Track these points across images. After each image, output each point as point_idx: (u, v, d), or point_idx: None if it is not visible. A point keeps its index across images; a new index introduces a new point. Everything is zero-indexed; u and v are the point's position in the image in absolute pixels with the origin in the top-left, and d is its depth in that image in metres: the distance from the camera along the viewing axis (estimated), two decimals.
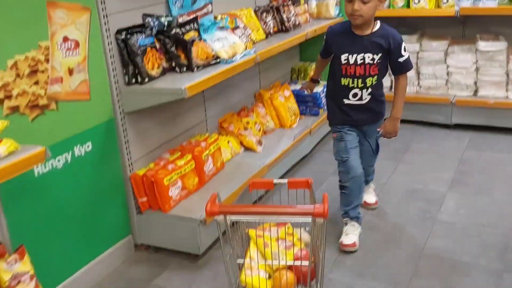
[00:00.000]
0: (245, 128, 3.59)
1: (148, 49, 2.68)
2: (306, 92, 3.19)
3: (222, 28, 3.13)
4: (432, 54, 4.32)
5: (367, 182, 3.10)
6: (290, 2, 3.94)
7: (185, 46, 2.78)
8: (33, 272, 2.12)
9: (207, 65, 2.85)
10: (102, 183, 2.66)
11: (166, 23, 2.81)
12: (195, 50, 2.79)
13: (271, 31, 3.70)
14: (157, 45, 2.77)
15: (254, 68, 3.93)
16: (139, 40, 2.63)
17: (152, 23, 2.76)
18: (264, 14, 3.69)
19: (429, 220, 3.00)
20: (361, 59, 2.58)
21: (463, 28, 4.57)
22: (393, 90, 2.75)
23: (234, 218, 1.71)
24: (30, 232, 2.27)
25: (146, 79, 2.64)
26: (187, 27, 2.86)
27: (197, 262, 2.78)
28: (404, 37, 4.41)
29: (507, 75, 4.12)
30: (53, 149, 2.22)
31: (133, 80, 2.65)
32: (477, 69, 4.22)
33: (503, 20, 4.28)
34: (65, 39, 2.33)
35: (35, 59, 2.19)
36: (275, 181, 2.14)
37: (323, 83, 3.59)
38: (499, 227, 2.89)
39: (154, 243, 2.89)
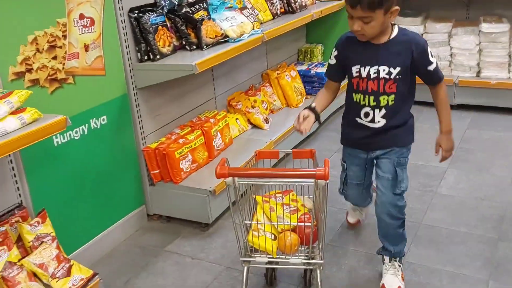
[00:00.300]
0: (253, 106, 3.71)
1: (160, 27, 2.80)
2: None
3: (230, 8, 3.24)
4: (436, 36, 4.40)
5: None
6: None
7: (195, 25, 2.89)
8: (55, 234, 2.27)
9: (216, 43, 2.96)
10: (117, 155, 2.80)
11: (176, 2, 2.93)
12: (204, 29, 2.91)
13: (278, 12, 3.80)
14: (168, 24, 2.89)
15: (261, 49, 4.05)
16: (151, 18, 2.75)
17: (163, 2, 2.88)
18: None
19: (429, 194, 3.12)
20: (374, 73, 2.11)
21: (467, 11, 4.64)
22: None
23: (241, 180, 1.84)
24: (50, 198, 2.41)
25: (158, 56, 2.76)
26: (197, 7, 2.97)
27: (207, 231, 2.93)
28: (408, 19, 4.53)
29: (510, 56, 4.20)
30: (71, 121, 2.35)
31: (145, 57, 2.77)
32: (480, 51, 4.30)
33: (506, 3, 4.35)
34: (81, 16, 2.45)
35: (53, 35, 2.32)
36: (281, 151, 2.26)
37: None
38: (496, 200, 3.00)
39: (166, 213, 3.04)
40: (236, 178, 1.81)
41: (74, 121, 2.47)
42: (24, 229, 2.19)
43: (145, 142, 2.94)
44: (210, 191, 2.83)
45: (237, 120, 3.58)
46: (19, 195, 2.28)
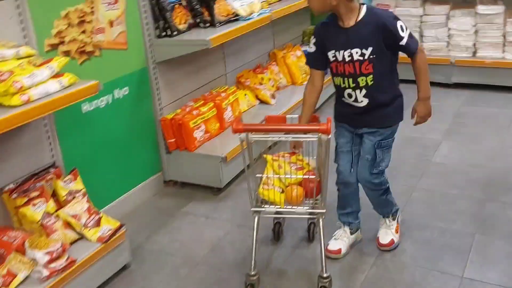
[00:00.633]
0: (260, 83, 3.95)
1: (176, 6, 3.05)
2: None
3: None
4: (435, 18, 4.62)
5: (381, 213, 2.58)
6: None
7: (208, 4, 3.14)
8: (85, 190, 2.54)
9: (227, 21, 3.22)
10: (137, 124, 3.06)
11: None
12: (217, 8, 3.16)
13: None
14: (184, 3, 3.13)
15: (268, 31, 4.28)
16: None
17: None
18: None
19: (424, 162, 3.38)
20: (348, 56, 2.19)
21: None
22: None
23: (254, 136, 2.09)
24: (79, 159, 2.67)
25: (175, 32, 3.01)
26: None
27: (219, 195, 3.19)
28: (408, 2, 4.73)
29: (504, 36, 4.42)
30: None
31: (163, 33, 3.02)
32: (476, 32, 4.52)
33: None
34: None
35: (83, 11, 2.57)
36: (288, 116, 2.51)
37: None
38: (485, 167, 3.25)
39: (181, 179, 3.30)
40: (249, 134, 2.05)
41: (100, 91, 2.69)
42: (59, 185, 2.46)
43: (162, 113, 3.20)
44: (222, 157, 3.09)
45: (246, 96, 3.83)
46: (53, 155, 2.54)
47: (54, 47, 2.46)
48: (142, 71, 3.02)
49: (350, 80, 2.24)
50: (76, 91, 2.15)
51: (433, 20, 4.63)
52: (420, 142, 3.64)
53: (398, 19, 2.19)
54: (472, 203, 2.88)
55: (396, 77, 2.33)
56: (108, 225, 2.46)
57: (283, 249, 2.63)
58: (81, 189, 2.53)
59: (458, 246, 2.53)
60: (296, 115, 2.54)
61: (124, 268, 2.53)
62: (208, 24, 3.17)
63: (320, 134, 2.03)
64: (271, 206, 2.32)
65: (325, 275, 2.25)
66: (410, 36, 2.19)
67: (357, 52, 2.18)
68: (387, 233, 2.56)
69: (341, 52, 2.21)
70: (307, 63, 2.42)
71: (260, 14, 3.37)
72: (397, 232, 2.58)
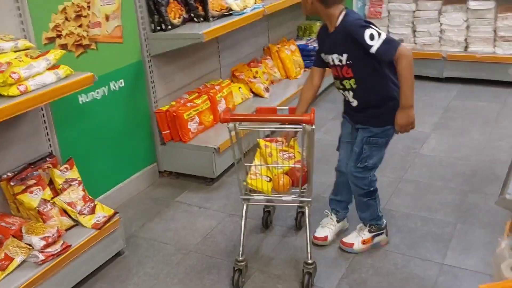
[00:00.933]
0: (254, 77, 4.04)
1: (171, 0, 3.13)
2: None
3: None
4: (427, 13, 4.70)
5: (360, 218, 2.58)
6: None
7: None
8: (81, 179, 2.63)
9: (221, 16, 3.29)
10: (132, 116, 3.15)
11: None
12: (211, 3, 3.23)
13: None
14: None
15: (263, 25, 4.36)
16: None
17: None
18: None
19: (412, 154, 3.47)
20: (332, 60, 2.29)
21: None
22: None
23: (241, 126, 2.17)
24: (75, 149, 2.76)
25: (170, 27, 3.10)
26: None
27: (212, 185, 3.28)
28: None
29: (495, 32, 4.50)
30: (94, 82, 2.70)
31: (158, 28, 3.10)
32: (467, 27, 4.60)
33: None
34: None
35: (79, 5, 2.65)
36: (278, 108, 2.59)
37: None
38: (471, 159, 3.34)
39: (175, 170, 3.39)
40: (237, 124, 2.14)
41: (96, 82, 2.77)
42: (55, 173, 2.55)
43: (157, 105, 3.29)
44: (215, 149, 3.18)
45: (240, 89, 3.91)
46: (50, 145, 2.63)
47: (51, 40, 2.54)
48: (138, 64, 3.10)
49: (338, 82, 2.36)
50: (71, 82, 2.24)
51: (426, 16, 4.71)
52: (409, 135, 3.62)
53: (367, 27, 2.15)
54: (456, 194, 2.97)
55: (390, 79, 2.29)
56: (102, 212, 2.55)
57: (272, 237, 2.72)
58: (77, 178, 2.62)
59: (440, 234, 2.63)
60: (287, 107, 2.62)
61: (118, 254, 2.63)
62: (202, 19, 3.25)
63: (304, 124, 2.11)
64: (259, 195, 2.41)
65: (310, 261, 2.33)
66: (386, 42, 2.13)
67: (336, 57, 2.28)
68: (353, 236, 2.56)
69: (328, 56, 2.32)
70: (314, 61, 2.51)
71: (254, 9, 3.45)
72: (363, 244, 2.53)
